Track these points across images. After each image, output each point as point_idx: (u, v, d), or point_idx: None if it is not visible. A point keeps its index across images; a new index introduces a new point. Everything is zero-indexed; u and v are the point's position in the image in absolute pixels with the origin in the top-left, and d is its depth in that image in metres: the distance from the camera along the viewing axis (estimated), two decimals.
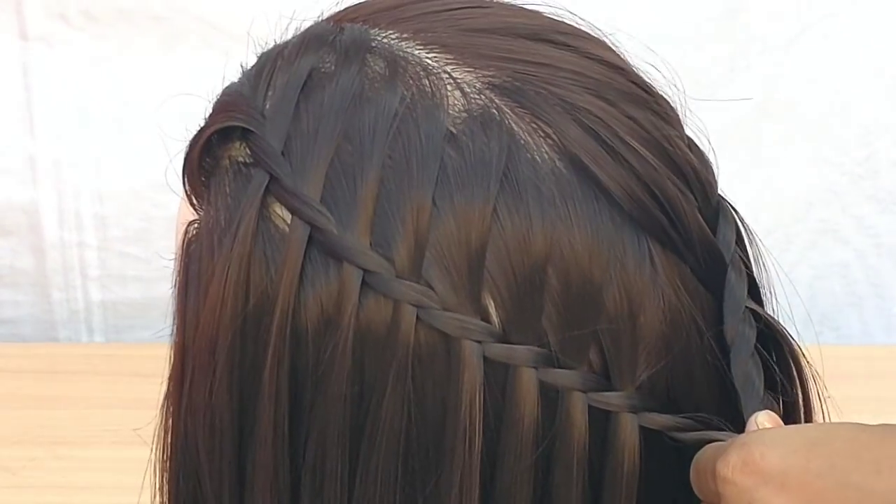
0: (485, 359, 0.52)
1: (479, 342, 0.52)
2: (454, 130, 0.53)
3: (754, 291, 0.57)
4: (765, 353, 0.56)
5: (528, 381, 0.52)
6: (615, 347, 0.53)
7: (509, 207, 0.52)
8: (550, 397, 0.53)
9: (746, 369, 0.54)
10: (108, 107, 1.42)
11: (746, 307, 0.56)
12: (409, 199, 0.52)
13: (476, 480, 0.52)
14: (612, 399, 0.53)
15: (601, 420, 0.53)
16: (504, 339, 0.52)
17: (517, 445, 0.52)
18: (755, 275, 0.58)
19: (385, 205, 0.52)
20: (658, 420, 0.54)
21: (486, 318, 0.52)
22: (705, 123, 0.60)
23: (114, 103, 1.42)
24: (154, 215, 1.44)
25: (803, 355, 0.58)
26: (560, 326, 0.52)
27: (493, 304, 0.52)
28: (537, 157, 0.53)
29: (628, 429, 0.53)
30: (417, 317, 0.52)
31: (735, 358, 0.55)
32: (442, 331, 0.52)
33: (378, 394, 0.52)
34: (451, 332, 0.52)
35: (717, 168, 0.59)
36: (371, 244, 0.52)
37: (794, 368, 0.57)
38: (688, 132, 0.59)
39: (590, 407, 0.53)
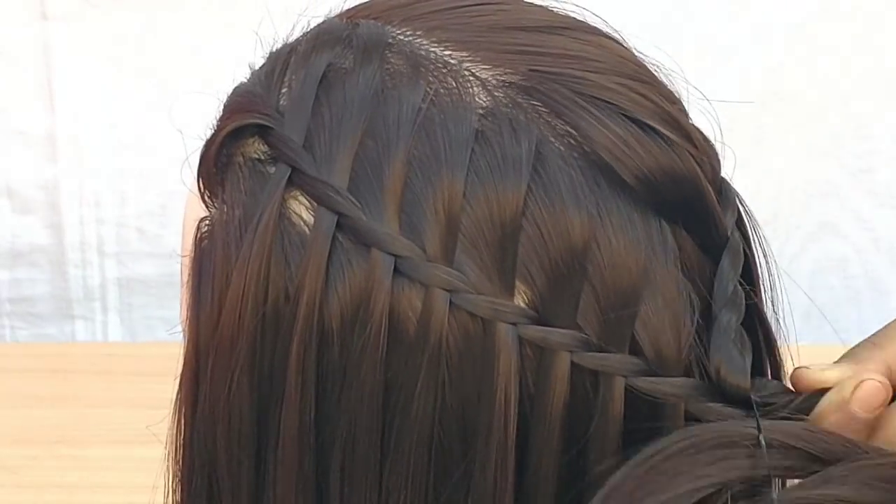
0: (522, 340, 0.52)
1: (513, 324, 0.52)
2: (479, 127, 0.53)
3: (748, 275, 0.57)
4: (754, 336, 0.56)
5: (562, 365, 0.52)
6: (656, 332, 0.53)
7: (540, 194, 0.52)
8: (585, 380, 0.52)
9: (729, 354, 0.54)
10: (127, 86, 1.44)
11: (734, 289, 0.55)
12: (439, 186, 0.52)
13: (511, 463, 0.52)
14: (664, 386, 0.53)
15: (646, 405, 0.53)
16: (539, 321, 0.52)
17: (549, 428, 0.52)
18: (753, 259, 0.58)
19: (414, 191, 0.52)
20: (720, 410, 0.53)
21: (521, 300, 0.52)
22: (704, 116, 0.61)
23: (133, 82, 1.44)
24: (171, 191, 1.46)
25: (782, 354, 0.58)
26: (599, 311, 0.52)
27: (527, 287, 0.52)
28: (563, 154, 0.53)
29: (678, 414, 0.53)
30: (450, 301, 0.51)
31: (713, 345, 0.54)
32: (475, 314, 0.52)
33: (410, 380, 0.52)
34: (484, 315, 0.51)
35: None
36: (400, 230, 0.52)
37: (770, 361, 0.58)
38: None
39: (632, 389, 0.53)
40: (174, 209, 1.46)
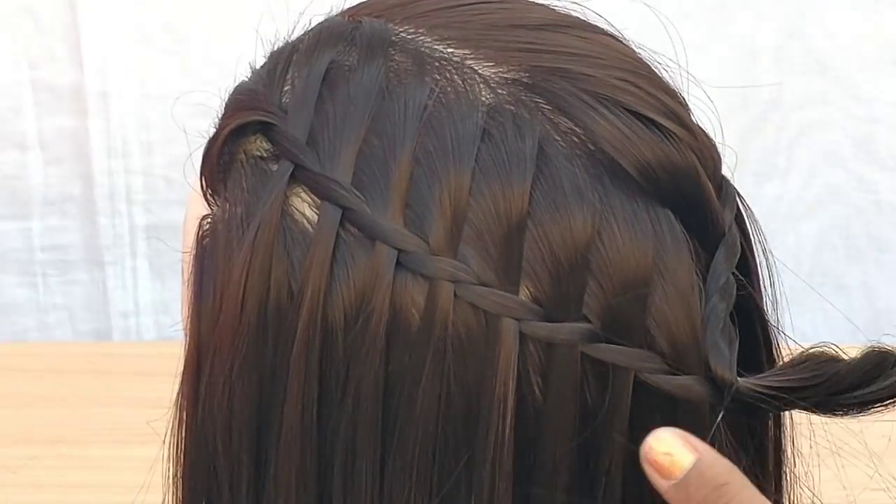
0: (526, 336, 0.52)
1: (517, 319, 0.52)
2: (483, 124, 0.53)
3: (745, 272, 0.57)
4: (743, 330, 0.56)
5: (572, 359, 0.52)
6: (669, 323, 0.53)
7: (544, 191, 0.52)
8: (595, 374, 0.52)
9: (716, 344, 0.54)
10: (153, 38, 1.47)
11: (727, 280, 0.55)
12: (445, 181, 0.52)
13: (509, 460, 0.52)
14: (679, 389, 0.52)
15: (656, 398, 0.53)
16: (545, 317, 0.52)
17: (559, 423, 0.52)
18: (753, 257, 0.58)
19: (419, 187, 0.52)
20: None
21: (525, 296, 0.52)
22: (705, 111, 0.61)
23: (159, 35, 1.47)
24: (197, 142, 1.47)
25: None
26: (606, 305, 0.52)
27: (531, 284, 0.52)
28: (565, 150, 0.53)
29: (705, 413, 0.53)
30: (455, 293, 0.51)
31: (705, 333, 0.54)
32: (478, 307, 0.51)
33: (415, 375, 0.52)
34: (489, 309, 0.51)
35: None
36: (405, 224, 0.52)
37: (767, 358, 0.58)
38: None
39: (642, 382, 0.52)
40: (198, 159, 1.49)
